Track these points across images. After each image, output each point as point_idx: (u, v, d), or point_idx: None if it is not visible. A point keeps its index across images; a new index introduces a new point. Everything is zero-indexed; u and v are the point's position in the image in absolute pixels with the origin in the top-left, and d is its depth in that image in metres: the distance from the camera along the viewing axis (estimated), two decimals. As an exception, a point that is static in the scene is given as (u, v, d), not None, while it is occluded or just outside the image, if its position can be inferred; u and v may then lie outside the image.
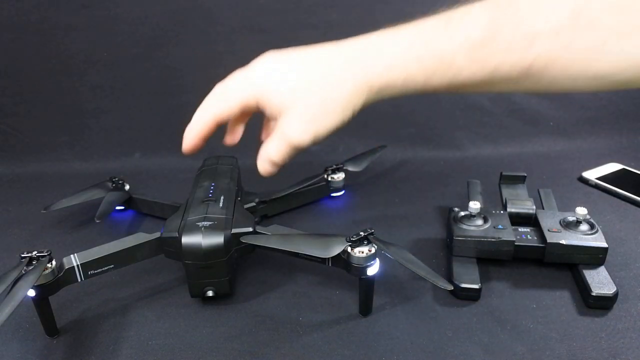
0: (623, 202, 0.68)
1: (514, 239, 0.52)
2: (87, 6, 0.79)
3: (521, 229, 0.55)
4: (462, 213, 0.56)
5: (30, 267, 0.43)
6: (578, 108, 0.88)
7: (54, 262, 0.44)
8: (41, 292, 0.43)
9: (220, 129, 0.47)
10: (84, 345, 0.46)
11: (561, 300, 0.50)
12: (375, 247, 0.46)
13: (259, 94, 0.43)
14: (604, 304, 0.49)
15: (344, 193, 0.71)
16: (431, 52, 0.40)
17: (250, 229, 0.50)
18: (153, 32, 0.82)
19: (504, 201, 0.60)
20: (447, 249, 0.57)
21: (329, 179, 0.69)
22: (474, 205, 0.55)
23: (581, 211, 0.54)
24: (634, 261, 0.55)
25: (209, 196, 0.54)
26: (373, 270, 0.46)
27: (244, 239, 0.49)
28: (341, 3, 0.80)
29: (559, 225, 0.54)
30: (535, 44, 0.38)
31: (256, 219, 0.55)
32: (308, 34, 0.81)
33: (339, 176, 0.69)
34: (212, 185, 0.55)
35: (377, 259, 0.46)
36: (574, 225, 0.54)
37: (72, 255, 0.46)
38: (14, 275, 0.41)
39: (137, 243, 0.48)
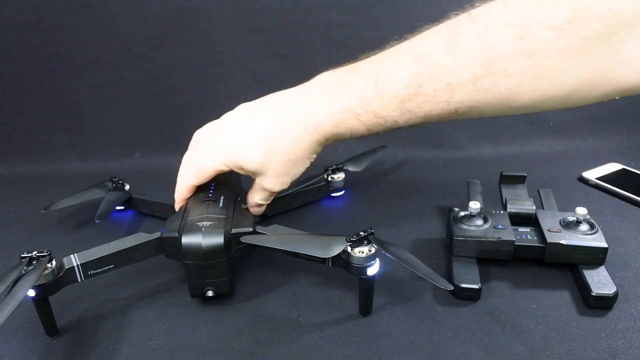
0: (623, 202, 0.68)
1: (514, 239, 0.52)
2: (87, 6, 0.79)
3: (521, 229, 0.55)
4: (462, 213, 0.56)
5: (31, 267, 0.43)
6: (578, 108, 0.87)
7: (54, 262, 0.44)
8: (41, 292, 0.43)
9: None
10: (84, 345, 0.46)
11: (561, 300, 0.50)
12: (375, 247, 0.46)
13: (232, 166, 0.50)
14: (604, 304, 0.49)
15: (344, 193, 0.71)
16: (367, 110, 0.46)
17: (250, 229, 0.50)
18: (153, 32, 0.82)
19: (504, 201, 0.60)
20: (447, 249, 0.57)
21: (329, 179, 0.69)
22: (474, 205, 0.55)
23: (581, 211, 0.54)
24: (634, 261, 0.55)
25: (209, 196, 0.53)
26: (373, 270, 0.46)
27: (244, 239, 0.49)
28: (341, 3, 0.80)
29: (559, 225, 0.54)
30: (456, 94, 0.43)
31: (256, 219, 0.55)
32: (308, 34, 0.81)
33: (339, 176, 0.69)
34: (212, 186, 0.55)
35: (377, 259, 0.46)
36: (574, 225, 0.54)
37: (72, 255, 0.46)
38: (14, 275, 0.41)
39: (137, 243, 0.48)
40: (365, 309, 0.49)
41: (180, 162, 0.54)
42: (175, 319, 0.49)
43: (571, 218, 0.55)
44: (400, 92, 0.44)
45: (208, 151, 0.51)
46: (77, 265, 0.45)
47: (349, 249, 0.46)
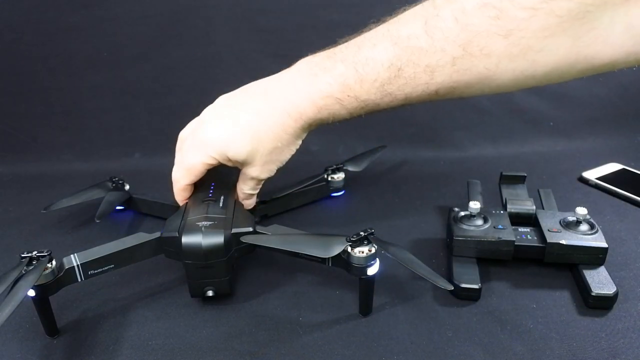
0: (623, 202, 0.68)
1: (514, 239, 0.52)
2: (87, 6, 0.79)
3: (521, 229, 0.55)
4: (462, 213, 0.56)
5: (31, 267, 0.43)
6: (578, 108, 0.88)
7: (54, 262, 0.44)
8: (41, 292, 0.43)
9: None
10: (84, 345, 0.46)
11: (561, 300, 0.50)
12: (376, 247, 0.46)
13: (221, 159, 0.51)
14: (604, 304, 0.49)
15: (344, 193, 0.71)
16: (348, 94, 0.46)
17: (251, 229, 0.50)
18: (153, 32, 0.82)
19: (504, 201, 0.60)
20: (447, 249, 0.57)
21: (329, 179, 0.69)
22: (474, 205, 0.55)
23: (581, 211, 0.54)
24: (634, 261, 0.55)
25: (209, 196, 0.53)
26: (373, 270, 0.46)
27: (244, 239, 0.49)
28: (341, 3, 0.80)
29: (559, 225, 0.54)
30: (436, 75, 0.44)
31: (256, 219, 0.55)
32: (308, 34, 0.81)
33: (339, 176, 0.69)
34: (212, 186, 0.55)
35: (377, 259, 0.46)
36: (574, 225, 0.54)
37: (72, 255, 0.46)
38: (14, 275, 0.41)
39: (138, 243, 0.48)
40: (366, 309, 0.49)
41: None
42: (175, 319, 0.49)
43: (571, 218, 0.55)
44: (380, 76, 0.45)
45: (195, 148, 0.51)
46: (77, 265, 0.45)
47: (349, 249, 0.46)
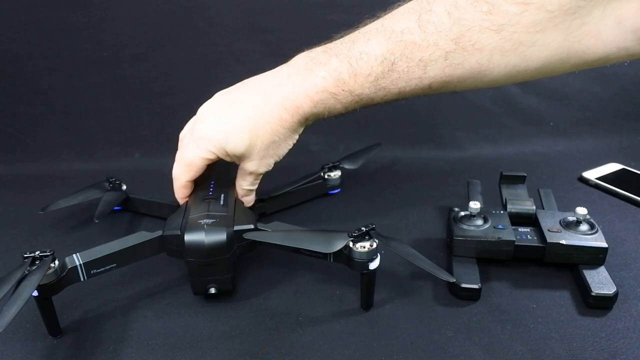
0: (623, 202, 0.68)
1: (514, 239, 0.52)
2: (87, 6, 0.79)
3: (521, 229, 0.55)
4: (462, 213, 0.56)
5: (34, 267, 0.43)
6: (578, 108, 0.88)
7: (56, 262, 0.44)
8: (45, 291, 0.43)
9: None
10: (83, 345, 0.46)
11: (561, 300, 0.50)
12: (377, 241, 0.46)
13: (220, 154, 0.51)
14: (604, 304, 0.49)
15: (341, 191, 0.71)
16: (342, 89, 0.47)
17: (252, 226, 0.50)
18: (153, 32, 0.82)
19: (504, 201, 0.60)
20: (447, 249, 0.57)
21: (326, 176, 0.69)
22: (474, 205, 0.55)
23: (581, 211, 0.54)
24: (634, 261, 0.55)
25: (209, 194, 0.54)
26: (374, 264, 0.46)
27: (247, 236, 0.49)
28: (341, 3, 0.80)
29: (559, 225, 0.54)
30: (429, 70, 0.44)
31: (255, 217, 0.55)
32: (308, 34, 0.81)
33: (336, 174, 0.69)
34: (212, 184, 0.56)
35: (378, 253, 0.47)
36: (574, 225, 0.54)
37: (74, 255, 0.46)
38: (17, 275, 0.41)
39: (139, 242, 0.48)
40: (367, 304, 0.49)
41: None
42: (175, 318, 0.49)
43: (571, 218, 0.55)
44: (374, 70, 0.45)
45: (194, 144, 0.51)
46: (80, 265, 0.45)
47: (351, 244, 0.46)
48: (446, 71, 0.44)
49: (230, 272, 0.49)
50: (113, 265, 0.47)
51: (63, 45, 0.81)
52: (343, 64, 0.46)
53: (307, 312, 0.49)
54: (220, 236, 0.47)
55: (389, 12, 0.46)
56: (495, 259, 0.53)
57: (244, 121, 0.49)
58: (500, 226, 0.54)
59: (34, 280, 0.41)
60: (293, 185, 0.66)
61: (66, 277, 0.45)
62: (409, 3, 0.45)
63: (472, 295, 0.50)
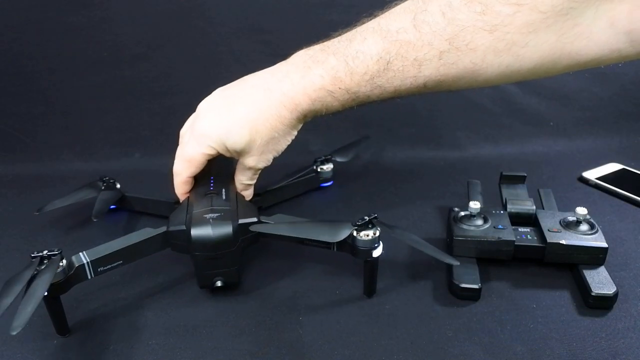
0: (623, 202, 0.68)
1: (514, 239, 0.52)
2: (87, 6, 0.79)
3: (521, 229, 0.55)
4: (462, 213, 0.56)
5: (43, 266, 0.43)
6: (578, 108, 0.88)
7: (64, 261, 0.45)
8: (54, 290, 0.44)
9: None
10: (83, 345, 0.46)
11: (561, 300, 0.50)
12: (379, 229, 0.48)
13: (220, 149, 0.51)
14: (604, 304, 0.49)
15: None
16: (339, 87, 0.47)
17: (255, 219, 0.51)
18: (153, 32, 0.82)
19: (504, 201, 0.60)
20: (447, 248, 0.57)
21: (319, 169, 0.70)
22: (474, 205, 0.55)
23: (581, 211, 0.54)
24: (634, 261, 0.55)
25: (210, 189, 0.54)
26: (377, 252, 0.48)
27: (253, 228, 0.50)
28: (341, 3, 0.80)
29: (559, 225, 0.54)
30: (423, 69, 0.45)
31: None
32: (308, 34, 0.81)
33: (328, 167, 0.71)
34: (212, 180, 0.56)
35: (380, 242, 0.48)
36: (574, 225, 0.54)
37: (80, 253, 0.46)
38: (28, 275, 0.41)
39: (144, 238, 0.49)
40: (370, 290, 0.50)
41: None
42: (175, 318, 0.49)
43: (571, 218, 0.55)
44: (369, 69, 0.46)
45: (194, 140, 0.52)
46: (87, 263, 0.46)
47: (355, 233, 0.47)
48: (440, 70, 0.44)
49: (236, 264, 0.50)
50: (119, 263, 0.48)
51: (63, 45, 0.81)
52: (340, 63, 0.47)
53: (306, 313, 0.49)
54: (227, 229, 0.48)
55: (385, 12, 0.47)
56: (495, 259, 0.53)
57: (243, 117, 0.50)
58: (500, 226, 0.54)
59: (46, 279, 0.41)
60: (288, 179, 0.68)
61: (74, 275, 0.45)
62: (405, 3, 0.46)
63: (472, 295, 0.50)
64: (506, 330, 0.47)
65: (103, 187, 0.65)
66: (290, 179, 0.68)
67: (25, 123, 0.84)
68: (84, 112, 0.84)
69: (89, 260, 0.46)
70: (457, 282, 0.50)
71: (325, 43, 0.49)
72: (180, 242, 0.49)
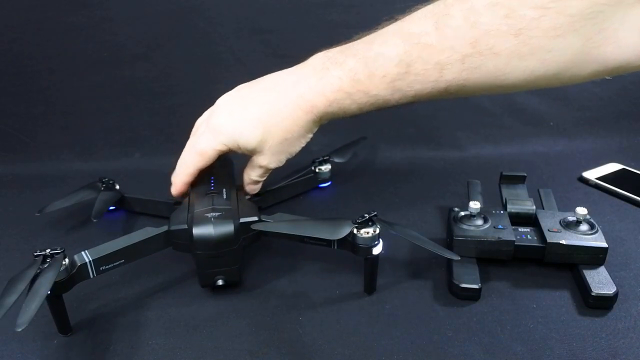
0: (623, 202, 0.68)
1: (514, 239, 0.52)
2: (87, 6, 0.79)
3: (521, 229, 0.55)
4: (462, 213, 0.56)
5: (46, 265, 0.43)
6: (578, 108, 0.88)
7: (67, 259, 0.45)
8: (56, 289, 0.44)
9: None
10: (83, 345, 0.46)
11: (561, 300, 0.50)
12: (379, 227, 0.48)
13: (232, 146, 0.52)
14: (604, 304, 0.49)
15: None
16: (358, 89, 0.47)
17: (256, 218, 0.51)
18: (153, 32, 0.82)
19: (504, 201, 0.60)
20: (447, 249, 0.57)
21: (317, 170, 0.71)
22: (474, 205, 0.55)
23: (581, 211, 0.54)
24: (634, 261, 0.55)
25: (211, 189, 0.54)
26: (377, 249, 0.48)
27: (254, 227, 0.50)
28: (341, 3, 0.80)
29: (559, 225, 0.54)
30: (445, 73, 0.44)
31: None
32: (308, 34, 0.81)
33: (326, 167, 0.71)
34: (212, 179, 0.56)
35: (380, 239, 0.48)
36: (574, 225, 0.54)
37: (82, 252, 0.46)
38: (31, 273, 0.41)
39: (146, 237, 0.49)
40: (370, 288, 0.51)
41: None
42: (175, 318, 0.49)
43: (571, 218, 0.55)
44: (389, 72, 0.45)
45: (208, 134, 0.52)
46: (90, 262, 0.46)
47: (355, 231, 0.47)
48: (463, 75, 0.43)
49: (237, 263, 0.50)
50: (121, 262, 0.48)
51: (63, 45, 0.81)
52: (359, 65, 0.46)
53: (306, 313, 0.49)
54: (228, 228, 0.48)
55: (407, 15, 0.46)
56: (495, 259, 0.53)
57: (257, 117, 0.50)
58: (500, 226, 0.54)
59: (50, 277, 0.41)
60: (287, 180, 0.68)
61: (76, 274, 0.45)
62: (427, 6, 0.45)
63: (472, 295, 0.50)
64: (506, 330, 0.47)
65: (102, 188, 0.65)
66: (288, 180, 0.68)
67: (25, 123, 0.84)
68: (84, 112, 0.84)
69: (91, 259, 0.46)
70: (457, 282, 0.50)
71: (344, 45, 0.49)
72: (182, 241, 0.50)
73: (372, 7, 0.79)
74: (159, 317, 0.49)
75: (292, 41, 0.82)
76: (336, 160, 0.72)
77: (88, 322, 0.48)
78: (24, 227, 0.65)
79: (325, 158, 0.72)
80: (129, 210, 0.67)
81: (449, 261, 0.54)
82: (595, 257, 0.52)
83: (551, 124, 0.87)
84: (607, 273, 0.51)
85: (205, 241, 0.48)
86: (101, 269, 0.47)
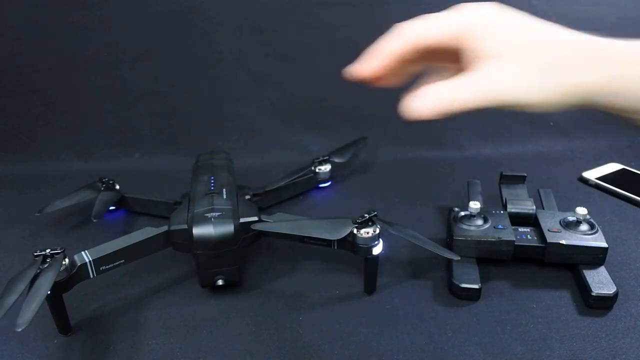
0: (623, 202, 0.68)
1: (514, 239, 0.52)
2: (87, 6, 0.79)
3: (521, 229, 0.55)
4: (462, 213, 0.56)
5: (46, 265, 0.43)
6: (578, 108, 0.87)
7: (67, 259, 0.45)
8: (56, 289, 0.44)
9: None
10: (83, 345, 0.46)
11: (561, 300, 0.50)
12: (379, 227, 0.48)
13: (472, 29, 0.34)
14: (604, 304, 0.49)
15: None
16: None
17: (256, 218, 0.52)
18: (153, 32, 0.82)
19: (504, 201, 0.60)
20: (447, 248, 0.57)
21: (317, 170, 0.71)
22: (474, 205, 0.55)
23: (581, 211, 0.54)
24: (634, 261, 0.55)
25: (211, 189, 0.55)
26: (377, 249, 0.48)
27: (254, 227, 0.51)
28: (341, 3, 0.80)
29: (559, 225, 0.54)
30: None
31: None
32: (308, 34, 0.81)
33: (326, 167, 0.71)
34: (212, 179, 0.56)
35: (380, 239, 0.48)
36: (574, 225, 0.54)
37: (82, 252, 0.46)
38: (31, 273, 0.41)
39: (146, 237, 0.49)
40: (370, 288, 0.51)
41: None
42: (175, 318, 0.49)
43: (571, 218, 0.55)
44: None
45: (443, 12, 0.36)
46: (90, 262, 0.46)
47: (355, 231, 0.48)
48: None
49: (237, 263, 0.50)
50: (121, 261, 0.48)
51: (63, 45, 0.81)
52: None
53: (307, 311, 0.49)
54: (228, 228, 0.48)
55: None
56: (495, 259, 0.53)
57: (531, 24, 0.36)
58: (500, 226, 0.54)
59: (50, 277, 0.41)
60: (287, 180, 0.68)
61: (77, 274, 0.45)
62: None
63: (472, 295, 0.50)
64: (506, 330, 0.47)
65: (102, 188, 0.65)
66: (288, 180, 0.68)
67: (25, 123, 0.84)
68: (84, 112, 0.84)
69: (91, 259, 0.46)
70: (457, 282, 0.50)
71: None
72: (182, 241, 0.50)
73: (372, 7, 0.79)
74: (159, 317, 0.49)
75: (292, 41, 0.82)
76: (336, 160, 0.73)
77: (88, 322, 0.48)
78: (24, 227, 0.65)
79: (325, 158, 0.72)
80: (129, 210, 0.67)
81: (449, 261, 0.54)
82: (595, 257, 0.52)
83: (551, 124, 0.87)
84: (607, 273, 0.51)
85: (205, 241, 0.48)
86: (101, 269, 0.47)
